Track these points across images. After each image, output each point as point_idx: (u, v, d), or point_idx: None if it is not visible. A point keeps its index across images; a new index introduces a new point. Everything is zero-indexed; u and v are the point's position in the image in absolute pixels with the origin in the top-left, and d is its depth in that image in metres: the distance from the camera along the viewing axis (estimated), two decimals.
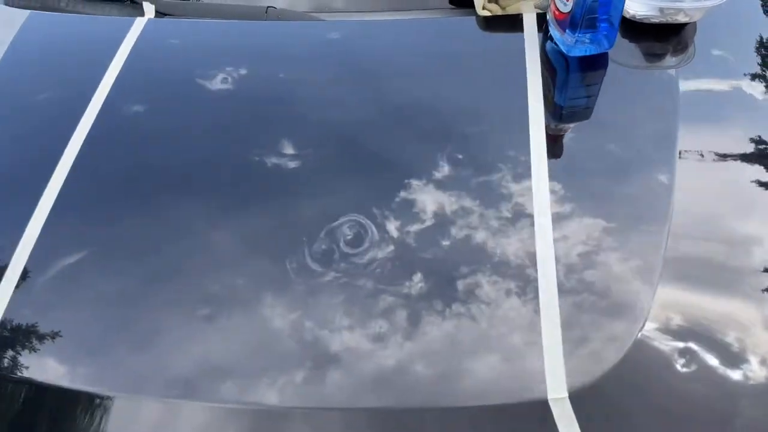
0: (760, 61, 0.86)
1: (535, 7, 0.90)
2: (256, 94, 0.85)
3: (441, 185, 0.71)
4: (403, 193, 0.71)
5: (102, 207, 0.74)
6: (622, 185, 0.72)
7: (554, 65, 0.85)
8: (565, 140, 0.78)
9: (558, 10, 0.82)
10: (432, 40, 0.91)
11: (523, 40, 0.87)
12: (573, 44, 0.82)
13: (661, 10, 0.84)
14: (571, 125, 0.81)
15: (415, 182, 0.72)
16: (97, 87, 0.84)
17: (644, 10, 0.83)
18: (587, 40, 0.81)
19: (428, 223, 0.68)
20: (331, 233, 0.67)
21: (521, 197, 0.70)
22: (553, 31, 0.85)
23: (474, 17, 0.92)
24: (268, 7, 0.95)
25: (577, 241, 0.66)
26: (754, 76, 0.84)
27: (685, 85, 0.81)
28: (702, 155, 0.75)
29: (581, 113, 0.82)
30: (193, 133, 0.82)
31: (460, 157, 0.74)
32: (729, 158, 0.75)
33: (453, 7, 0.97)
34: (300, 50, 0.91)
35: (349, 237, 0.67)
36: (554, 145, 0.75)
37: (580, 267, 0.64)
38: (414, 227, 0.67)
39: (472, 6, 0.92)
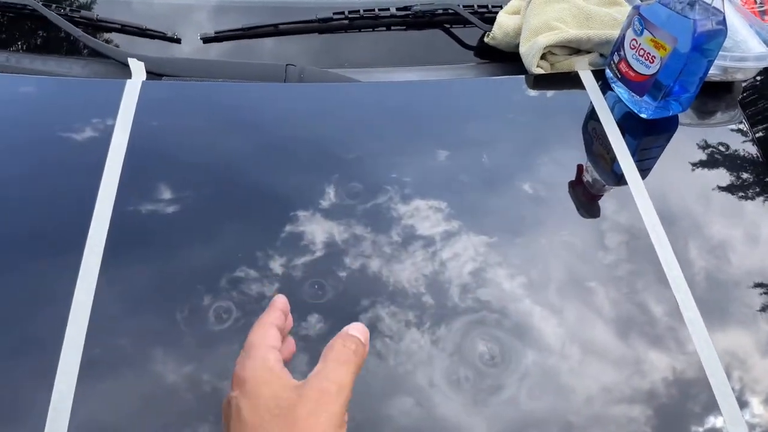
0: None
1: (589, 65, 0.84)
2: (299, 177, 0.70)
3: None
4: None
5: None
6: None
7: (624, 125, 0.78)
8: (669, 202, 0.71)
9: (633, 70, 0.76)
10: (494, 102, 0.81)
11: (586, 99, 0.80)
12: (652, 109, 0.76)
13: (725, 69, 0.81)
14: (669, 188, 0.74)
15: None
16: (101, 176, 0.65)
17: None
18: (666, 105, 0.76)
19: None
20: None
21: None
22: (621, 90, 0.79)
23: (524, 76, 0.83)
24: (287, 65, 0.81)
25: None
26: None
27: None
28: None
29: (666, 173, 0.76)
30: (228, 225, 0.65)
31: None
32: None
33: (486, 61, 0.89)
34: (333, 120, 0.77)
35: None
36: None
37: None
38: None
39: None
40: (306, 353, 0.54)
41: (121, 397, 0.52)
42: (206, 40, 0.86)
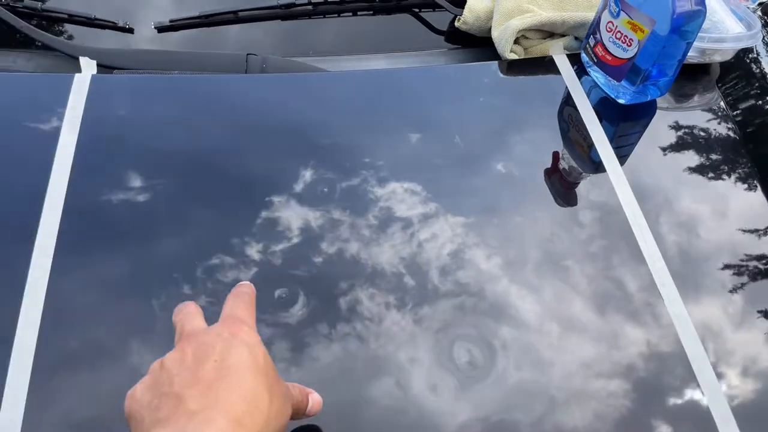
0: None
1: (564, 49, 0.81)
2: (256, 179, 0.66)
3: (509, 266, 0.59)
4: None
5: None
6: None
7: (601, 111, 0.75)
8: (648, 188, 0.69)
9: (610, 54, 0.73)
10: (466, 90, 0.77)
11: (562, 84, 0.77)
12: (630, 94, 0.73)
13: (703, 51, 0.78)
14: (647, 174, 0.71)
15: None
16: (48, 179, 0.60)
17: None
18: (644, 90, 0.73)
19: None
20: None
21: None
22: (597, 75, 0.76)
23: (497, 62, 0.80)
24: (248, 54, 0.76)
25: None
26: None
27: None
28: None
29: (645, 159, 0.73)
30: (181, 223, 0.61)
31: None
32: None
33: (458, 47, 0.85)
34: (298, 112, 0.73)
35: None
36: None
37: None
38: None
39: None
40: (286, 340, 0.53)
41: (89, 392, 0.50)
42: (161, 29, 0.80)
